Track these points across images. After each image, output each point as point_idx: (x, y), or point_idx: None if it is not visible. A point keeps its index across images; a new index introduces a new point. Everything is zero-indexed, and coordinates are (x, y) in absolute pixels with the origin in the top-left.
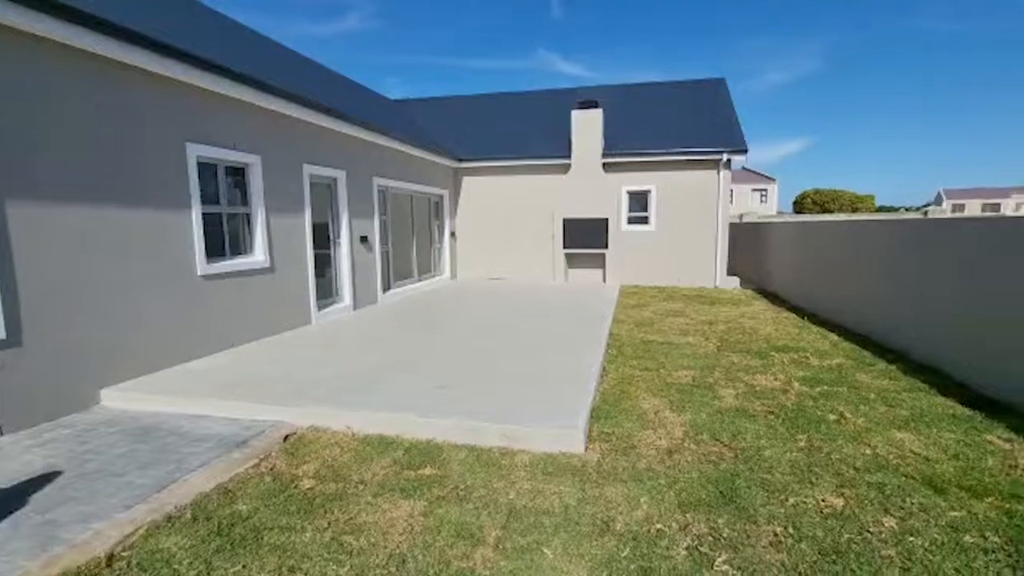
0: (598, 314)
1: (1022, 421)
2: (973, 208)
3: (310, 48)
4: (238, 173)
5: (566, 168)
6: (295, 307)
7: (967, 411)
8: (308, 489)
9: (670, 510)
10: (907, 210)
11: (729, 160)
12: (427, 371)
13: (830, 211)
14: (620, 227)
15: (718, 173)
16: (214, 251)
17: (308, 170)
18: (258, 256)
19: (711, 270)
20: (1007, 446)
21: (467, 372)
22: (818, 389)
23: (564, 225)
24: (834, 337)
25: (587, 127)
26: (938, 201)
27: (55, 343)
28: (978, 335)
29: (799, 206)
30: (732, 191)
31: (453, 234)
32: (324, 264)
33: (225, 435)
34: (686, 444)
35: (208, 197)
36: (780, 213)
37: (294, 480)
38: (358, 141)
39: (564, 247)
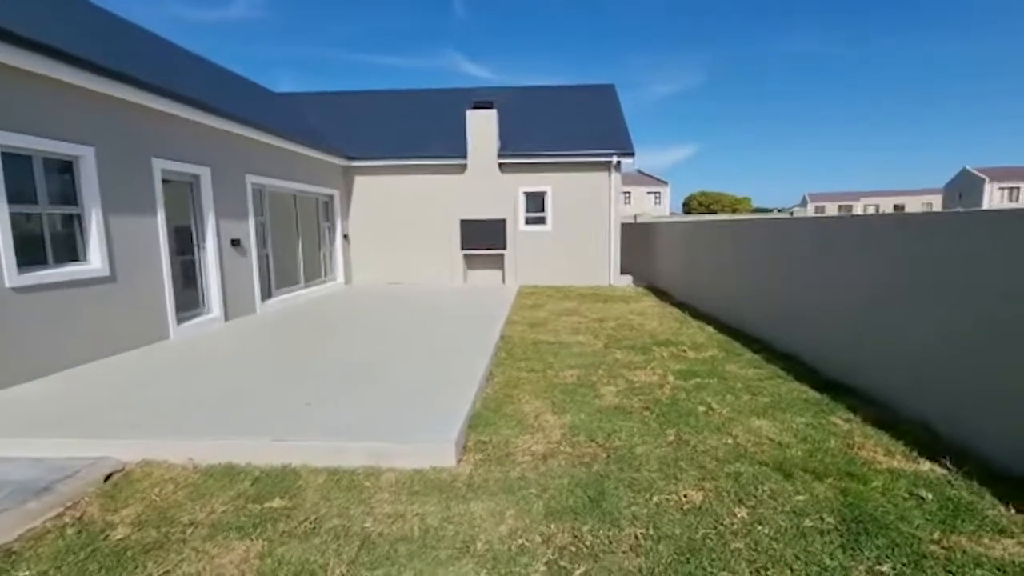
0: (492, 316)
1: (858, 400)
2: (831, 210)
3: (188, 35)
4: (66, 168)
5: (463, 168)
6: (147, 320)
7: (816, 395)
8: (120, 540)
9: (536, 521)
10: (779, 211)
11: (619, 162)
12: (295, 387)
13: (714, 212)
14: (518, 228)
15: (609, 175)
16: (31, 259)
17: (160, 165)
18: (94, 263)
19: (605, 269)
20: (846, 426)
21: (340, 385)
22: (692, 381)
23: (461, 226)
24: (710, 330)
25: (482, 127)
26: (804, 203)
27: None
28: (817, 322)
29: (687, 207)
30: (630, 193)
31: (346, 237)
32: (188, 271)
33: (23, 481)
34: (562, 447)
35: (20, 195)
36: (672, 214)
37: (105, 529)
38: (225, 134)
39: (462, 248)
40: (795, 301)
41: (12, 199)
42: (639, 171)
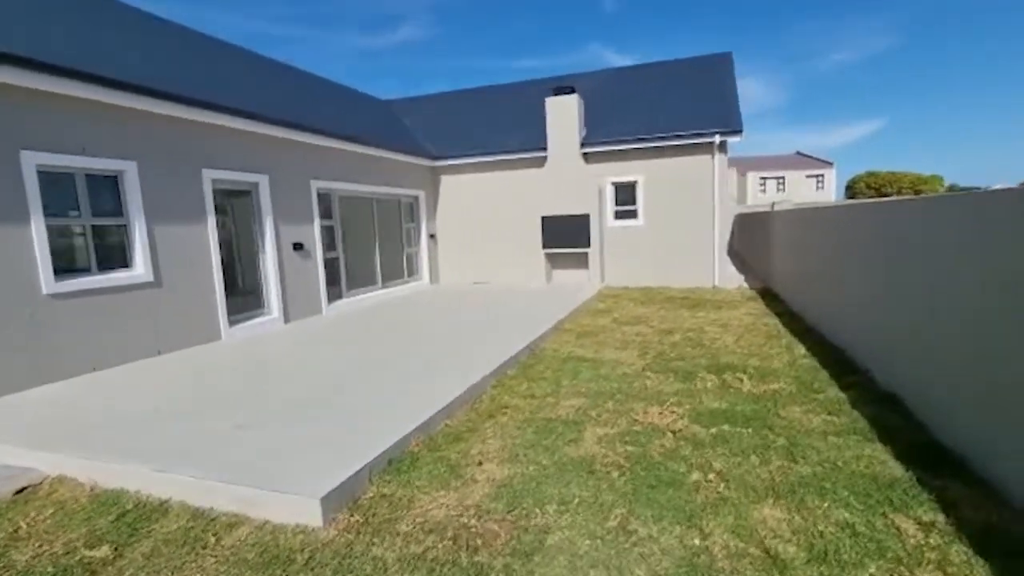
0: (542, 322)
1: (964, 486)
2: None
3: (363, 59)
4: (110, 182)
5: (543, 162)
6: (194, 323)
7: (900, 469)
8: None
9: None
10: (971, 190)
11: (724, 142)
12: (257, 403)
13: (885, 196)
14: (605, 223)
15: (712, 158)
16: (72, 267)
17: (210, 175)
18: (137, 270)
19: (708, 268)
20: (919, 536)
21: (298, 404)
22: (715, 429)
23: (542, 223)
24: (800, 351)
25: (563, 115)
26: None
27: None
28: (956, 351)
29: (851, 192)
30: (783, 178)
31: (432, 236)
32: (245, 274)
33: None
34: (463, 519)
35: (61, 209)
36: (839, 201)
37: None
38: (284, 142)
39: (543, 247)
40: (929, 315)
41: (53, 213)
42: (798, 153)
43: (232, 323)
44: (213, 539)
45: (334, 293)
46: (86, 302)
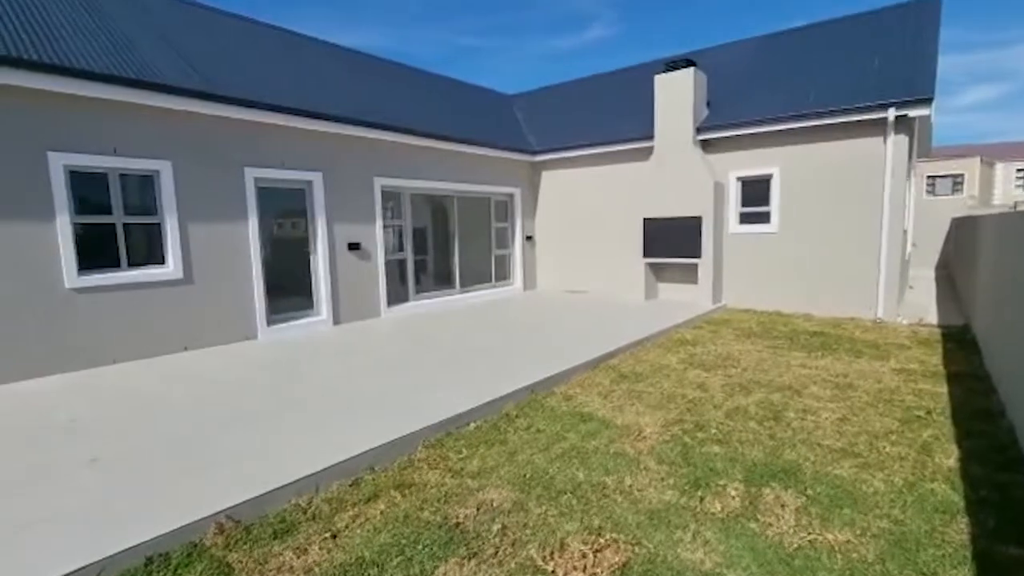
0: (585, 351)
1: None
2: None
3: (551, 62)
4: (145, 181)
5: (649, 152)
6: (227, 320)
7: None
8: None
9: None
10: None
11: (906, 118)
12: (171, 429)
13: None
14: (726, 228)
15: (884, 140)
16: (101, 263)
17: (253, 173)
18: (167, 267)
19: (870, 292)
20: None
21: (189, 439)
22: None
23: (644, 227)
24: (947, 461)
25: (675, 94)
26: None
27: None
28: None
29: None
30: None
31: (529, 238)
32: (292, 273)
33: None
34: None
35: (92, 207)
36: None
37: None
38: (341, 138)
39: (645, 255)
40: None
41: (83, 210)
42: None
43: (273, 322)
44: None
45: (398, 296)
46: (110, 296)
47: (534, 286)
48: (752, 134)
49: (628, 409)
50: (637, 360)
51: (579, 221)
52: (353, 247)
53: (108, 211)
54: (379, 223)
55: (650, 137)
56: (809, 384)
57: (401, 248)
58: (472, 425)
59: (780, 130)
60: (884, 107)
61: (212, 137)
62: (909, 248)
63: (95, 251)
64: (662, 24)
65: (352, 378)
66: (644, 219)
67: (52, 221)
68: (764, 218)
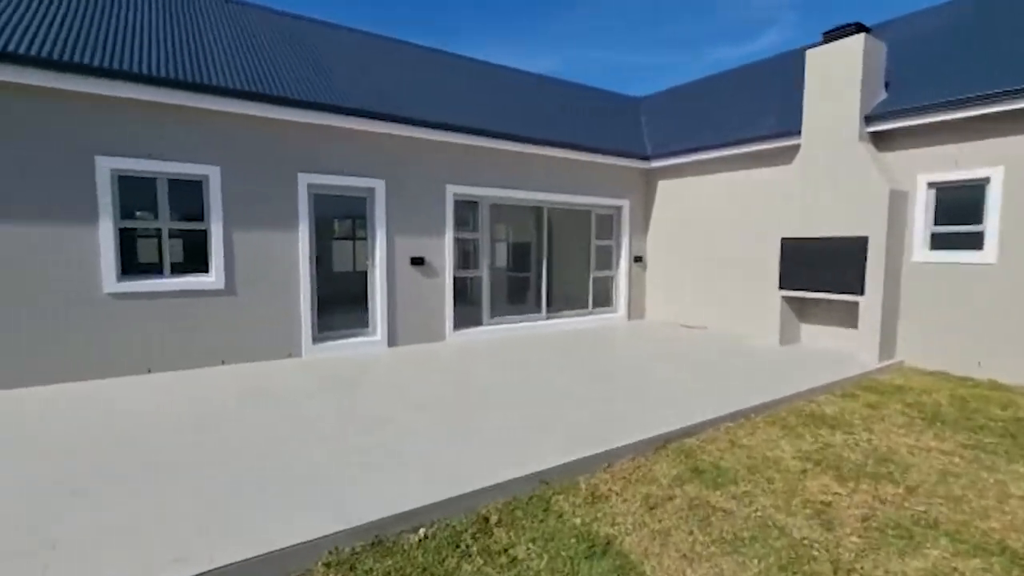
0: (656, 422)
1: None
2: None
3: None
4: (193, 186)
5: (792, 153)
6: (269, 337)
7: None
8: None
9: None
10: None
11: None
12: (150, 466)
13: None
14: (908, 254)
15: None
16: (143, 269)
17: (307, 180)
18: (210, 276)
19: None
20: None
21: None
22: None
23: (783, 249)
24: None
25: (834, 72)
26: None
27: None
28: None
29: None
30: None
31: (638, 259)
32: (344, 289)
33: None
34: None
35: (136, 212)
36: None
37: None
38: (409, 142)
39: (782, 286)
40: None
41: (128, 215)
42: None
43: (319, 340)
44: None
45: (469, 318)
46: (149, 304)
47: (641, 315)
48: (958, 120)
49: (677, 543)
50: (731, 443)
51: (699, 239)
52: (416, 262)
53: (153, 216)
54: (449, 236)
55: (795, 133)
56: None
57: (473, 264)
58: (417, 535)
59: (1006, 111)
60: None
61: (263, 141)
62: None
63: (137, 256)
64: (845, 17)
65: (266, 441)
66: (782, 239)
67: (95, 225)
68: (972, 242)
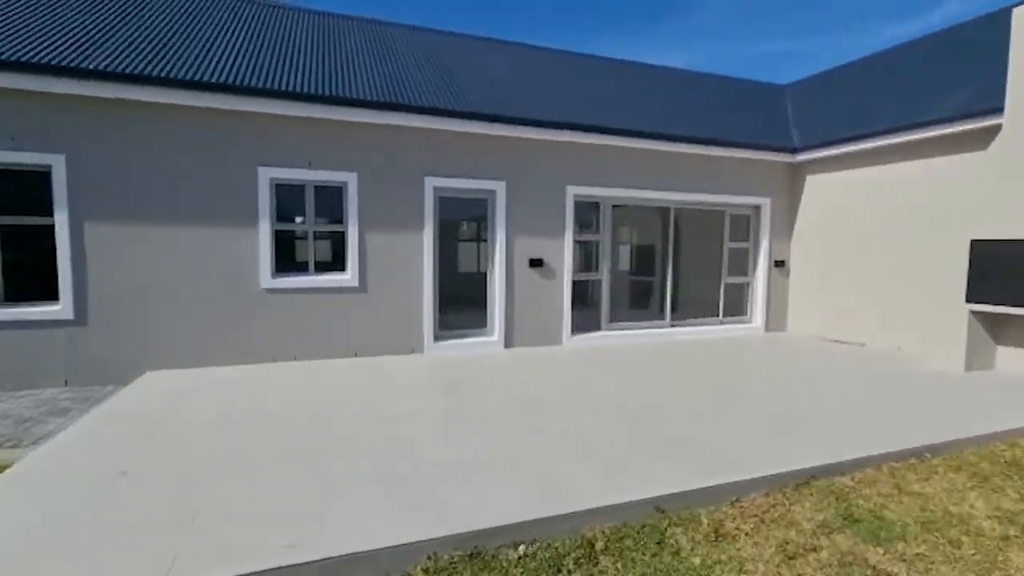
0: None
1: None
2: None
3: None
4: (335, 191)
5: (988, 136)
6: (394, 332)
7: None
8: None
9: None
10: None
11: None
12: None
13: None
14: None
15: None
16: (292, 267)
17: (433, 183)
18: (346, 275)
19: None
20: None
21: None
22: None
23: (973, 254)
24: None
25: None
26: None
27: (111, 327)
28: None
29: None
30: None
31: (780, 264)
32: (467, 288)
33: None
34: None
35: (288, 216)
36: None
37: None
38: (529, 143)
39: (970, 299)
40: None
41: (281, 219)
42: None
43: (440, 338)
44: None
45: (587, 323)
46: (296, 298)
47: (781, 327)
48: None
49: None
50: (897, 488)
51: (856, 242)
52: (535, 263)
53: (303, 220)
54: (568, 237)
55: (991, 112)
56: None
57: (593, 267)
58: (517, 552)
59: None
60: None
61: (395, 147)
62: None
63: (290, 255)
64: None
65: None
66: (972, 241)
67: (256, 228)
68: None
